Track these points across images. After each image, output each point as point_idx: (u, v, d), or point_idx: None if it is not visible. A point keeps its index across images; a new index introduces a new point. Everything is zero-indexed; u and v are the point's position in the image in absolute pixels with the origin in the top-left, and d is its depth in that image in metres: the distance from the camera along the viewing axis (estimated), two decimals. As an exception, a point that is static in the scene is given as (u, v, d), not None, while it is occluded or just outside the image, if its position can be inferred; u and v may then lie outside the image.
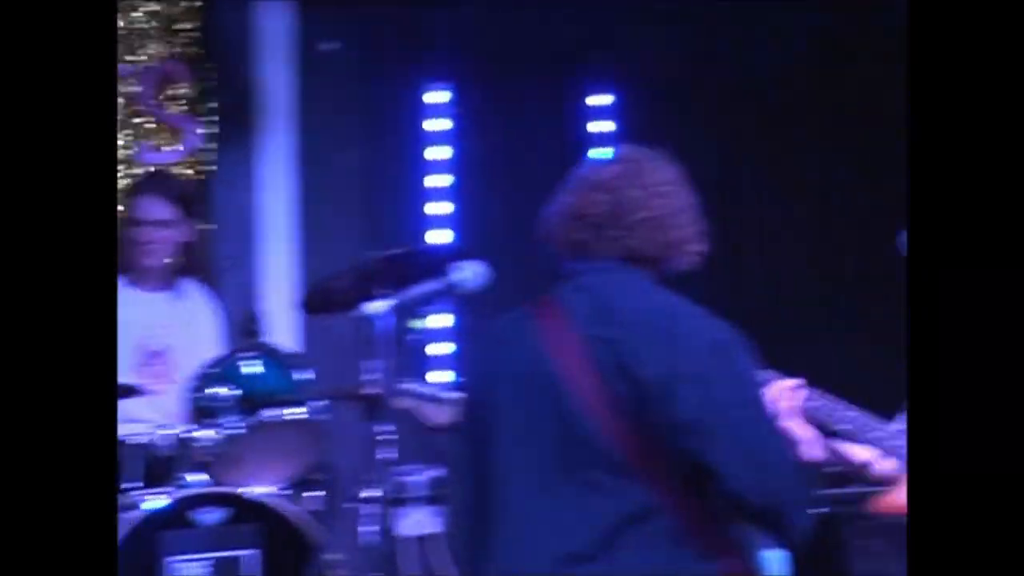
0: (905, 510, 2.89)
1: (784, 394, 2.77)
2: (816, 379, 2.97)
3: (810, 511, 2.50)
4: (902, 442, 2.84)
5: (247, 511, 3.76)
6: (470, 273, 3.47)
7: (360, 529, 3.77)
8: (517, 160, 5.71)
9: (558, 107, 6.02)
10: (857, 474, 3.18)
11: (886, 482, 2.99)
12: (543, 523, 2.44)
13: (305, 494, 4.04)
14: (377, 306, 3.44)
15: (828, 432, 2.94)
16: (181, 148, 5.37)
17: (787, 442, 2.57)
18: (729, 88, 5.98)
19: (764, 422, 2.46)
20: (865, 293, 5.81)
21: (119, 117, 4.93)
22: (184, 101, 5.39)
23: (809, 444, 2.83)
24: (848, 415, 2.89)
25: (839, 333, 5.86)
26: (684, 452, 2.38)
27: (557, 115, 5.99)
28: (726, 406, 2.39)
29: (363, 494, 4.03)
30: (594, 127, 6.10)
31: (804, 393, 2.83)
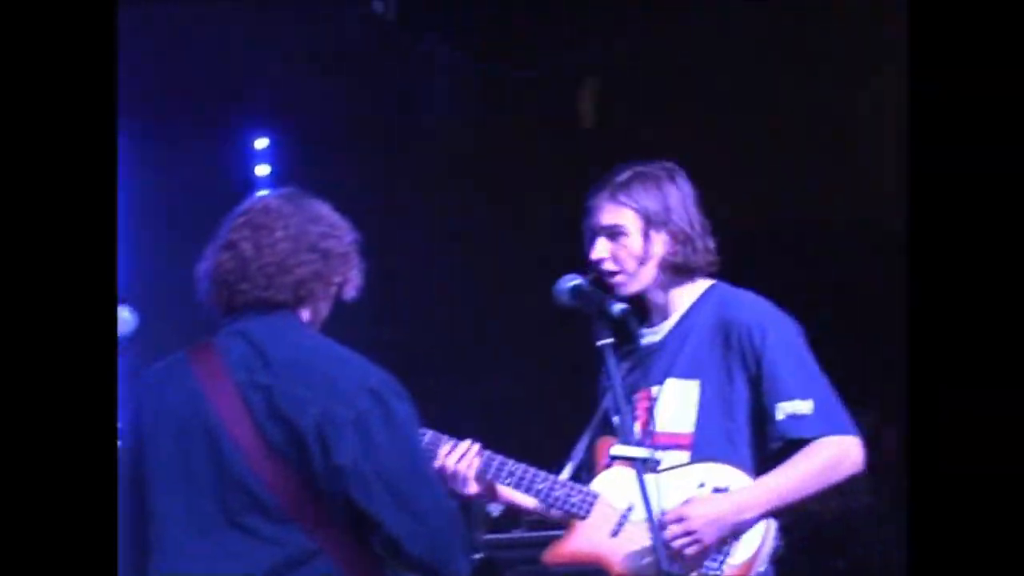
0: (571, 559, 3.02)
1: (458, 458, 2.89)
2: (480, 421, 3.04)
3: (466, 559, 2.56)
4: (566, 492, 2.96)
5: None
6: (122, 318, 3.40)
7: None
8: (175, 202, 5.66)
9: (211, 149, 6.01)
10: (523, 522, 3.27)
11: (553, 531, 3.10)
12: (202, 569, 2.42)
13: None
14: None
15: (492, 486, 3.02)
16: None
17: (444, 490, 2.64)
18: (392, 128, 6.09)
19: (420, 470, 2.50)
20: (525, 336, 5.93)
21: None
22: None
23: (474, 498, 2.95)
24: (513, 469, 2.96)
25: (502, 376, 6.01)
26: (342, 498, 2.40)
27: (211, 157, 5.99)
28: (382, 453, 2.41)
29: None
30: (250, 169, 6.12)
31: (477, 456, 2.93)
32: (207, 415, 2.44)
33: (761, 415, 2.90)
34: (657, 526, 2.68)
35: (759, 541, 2.86)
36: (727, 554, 2.84)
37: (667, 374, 2.98)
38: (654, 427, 2.95)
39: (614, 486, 2.94)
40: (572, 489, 2.95)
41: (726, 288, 3.06)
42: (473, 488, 2.94)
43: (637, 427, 2.93)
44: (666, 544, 2.73)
